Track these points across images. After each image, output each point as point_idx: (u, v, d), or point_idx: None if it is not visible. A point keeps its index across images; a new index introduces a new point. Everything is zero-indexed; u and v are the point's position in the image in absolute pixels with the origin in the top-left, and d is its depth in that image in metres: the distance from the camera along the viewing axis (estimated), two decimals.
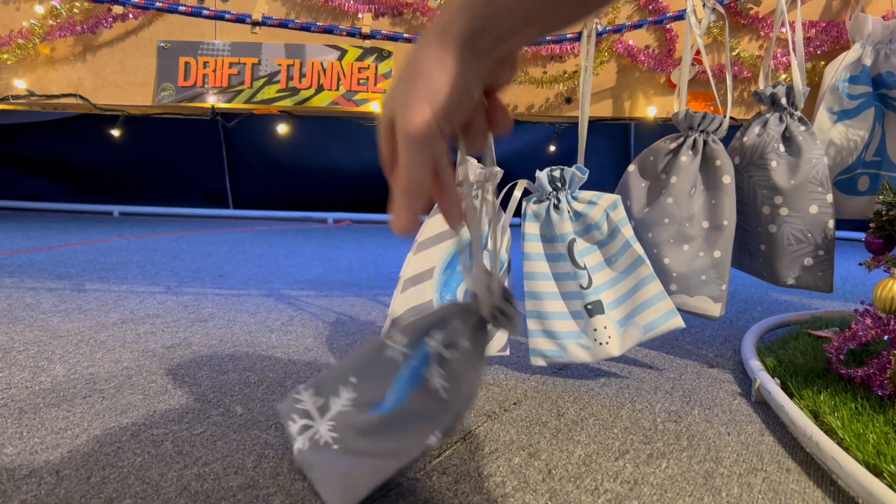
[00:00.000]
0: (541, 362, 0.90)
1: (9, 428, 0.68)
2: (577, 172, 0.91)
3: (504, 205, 0.91)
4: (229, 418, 0.73)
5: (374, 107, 1.16)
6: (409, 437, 0.54)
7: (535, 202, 0.92)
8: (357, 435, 0.57)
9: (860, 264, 0.84)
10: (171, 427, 0.70)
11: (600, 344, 0.89)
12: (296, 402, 0.62)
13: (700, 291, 0.95)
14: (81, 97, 1.22)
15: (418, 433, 0.53)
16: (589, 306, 0.89)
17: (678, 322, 0.90)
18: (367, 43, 1.15)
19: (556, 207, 0.91)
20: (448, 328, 0.52)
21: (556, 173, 0.91)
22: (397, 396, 0.55)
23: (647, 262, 0.91)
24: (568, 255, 0.90)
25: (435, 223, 0.88)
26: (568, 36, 1.06)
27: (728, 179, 0.94)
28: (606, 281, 0.92)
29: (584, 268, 0.90)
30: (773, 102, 0.96)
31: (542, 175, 0.91)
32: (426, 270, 0.86)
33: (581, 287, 0.89)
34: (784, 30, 1.03)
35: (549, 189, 0.91)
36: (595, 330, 0.89)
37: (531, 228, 0.91)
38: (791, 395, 0.80)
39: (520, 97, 1.16)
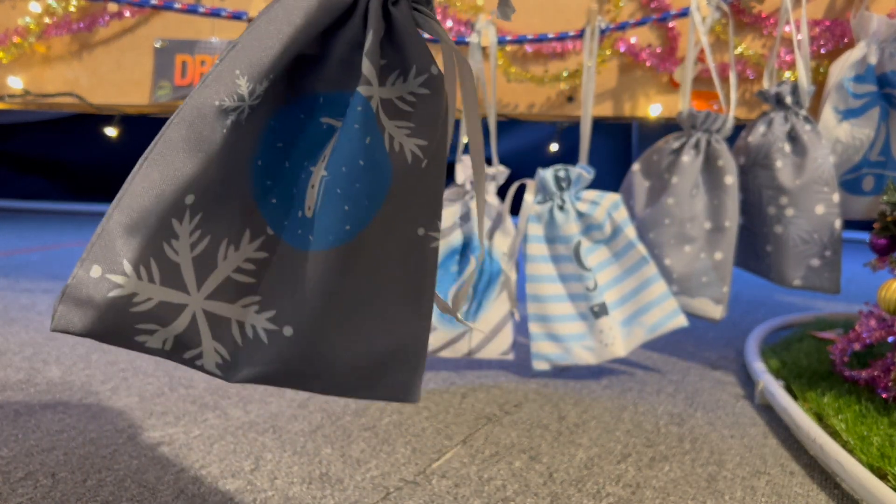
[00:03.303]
0: (544, 366, 0.89)
1: (4, 430, 0.67)
2: (584, 172, 0.90)
3: (512, 206, 0.91)
4: (226, 421, 0.72)
5: None
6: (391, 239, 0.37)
7: (538, 203, 0.91)
8: (302, 294, 0.35)
9: (864, 265, 0.83)
10: (167, 430, 0.69)
11: (605, 345, 0.89)
12: (119, 301, 0.33)
13: (701, 293, 0.94)
14: (77, 96, 1.21)
15: (402, 235, 0.37)
16: (595, 308, 0.89)
17: (682, 321, 0.91)
18: None
19: (562, 208, 0.89)
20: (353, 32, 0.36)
21: (562, 173, 0.89)
22: (334, 196, 0.35)
23: (652, 262, 0.91)
24: (574, 257, 0.89)
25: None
26: (570, 33, 1.06)
27: (730, 180, 0.93)
28: (609, 280, 0.91)
29: (590, 270, 0.89)
30: (778, 101, 0.95)
31: (547, 175, 0.90)
32: None
33: (587, 289, 0.89)
34: (788, 28, 1.02)
35: (554, 189, 0.90)
36: (601, 332, 0.88)
37: (534, 230, 0.90)
38: (795, 398, 0.80)
39: (520, 96, 1.15)
